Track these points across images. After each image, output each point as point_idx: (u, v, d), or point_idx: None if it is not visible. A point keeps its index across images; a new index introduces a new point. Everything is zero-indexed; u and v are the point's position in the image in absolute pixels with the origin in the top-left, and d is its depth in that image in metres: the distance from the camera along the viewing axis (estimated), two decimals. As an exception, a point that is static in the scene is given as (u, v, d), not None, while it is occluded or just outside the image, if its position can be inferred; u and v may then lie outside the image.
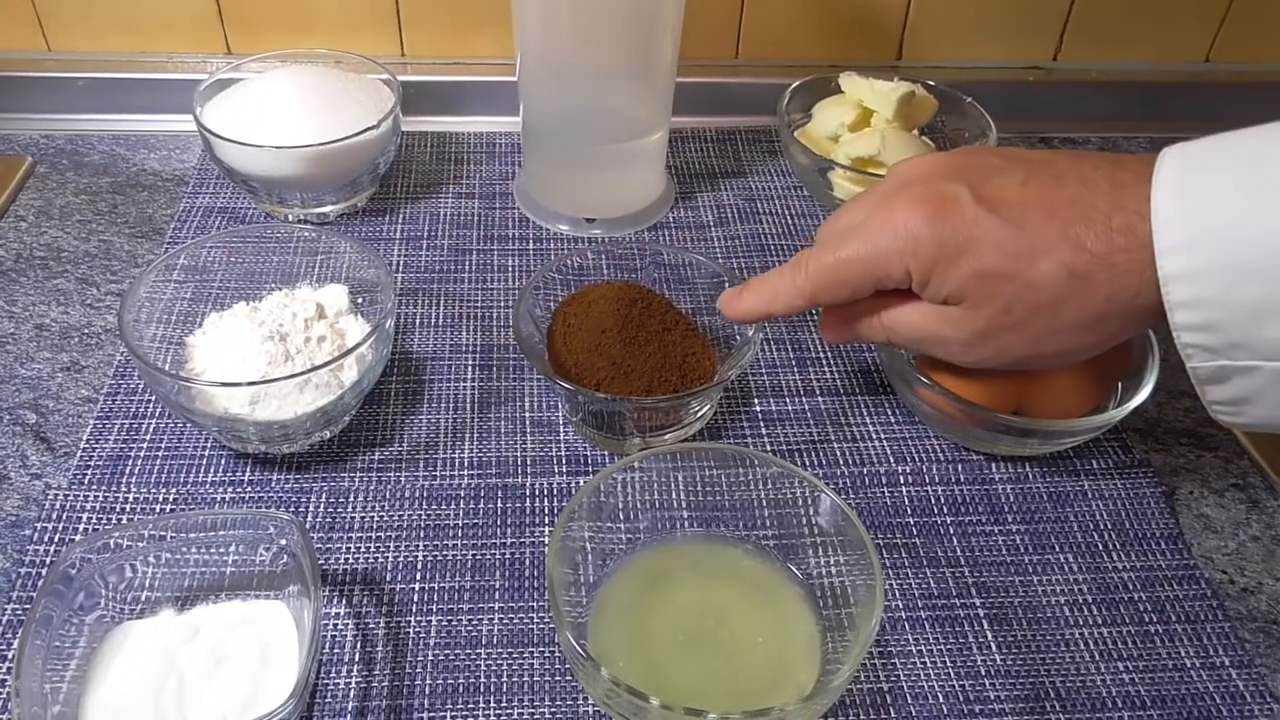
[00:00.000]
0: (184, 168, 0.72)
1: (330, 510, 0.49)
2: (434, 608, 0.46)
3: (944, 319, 0.45)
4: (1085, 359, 0.45)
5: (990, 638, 0.45)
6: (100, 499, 0.49)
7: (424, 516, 0.49)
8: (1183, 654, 0.45)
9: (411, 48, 0.80)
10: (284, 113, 0.63)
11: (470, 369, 0.57)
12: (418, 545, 0.48)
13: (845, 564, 0.44)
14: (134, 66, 0.77)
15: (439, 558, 0.48)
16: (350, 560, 0.47)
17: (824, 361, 0.58)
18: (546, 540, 0.48)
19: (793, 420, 0.55)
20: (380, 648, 0.44)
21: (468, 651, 0.44)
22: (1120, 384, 0.52)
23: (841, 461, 0.53)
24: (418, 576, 0.47)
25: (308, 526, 0.48)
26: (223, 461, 0.51)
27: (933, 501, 0.51)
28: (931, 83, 0.72)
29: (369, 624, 0.45)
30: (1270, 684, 0.44)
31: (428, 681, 0.43)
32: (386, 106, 0.65)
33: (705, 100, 0.78)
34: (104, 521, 0.48)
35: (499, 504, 0.50)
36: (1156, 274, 0.39)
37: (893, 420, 0.55)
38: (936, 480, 0.52)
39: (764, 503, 0.46)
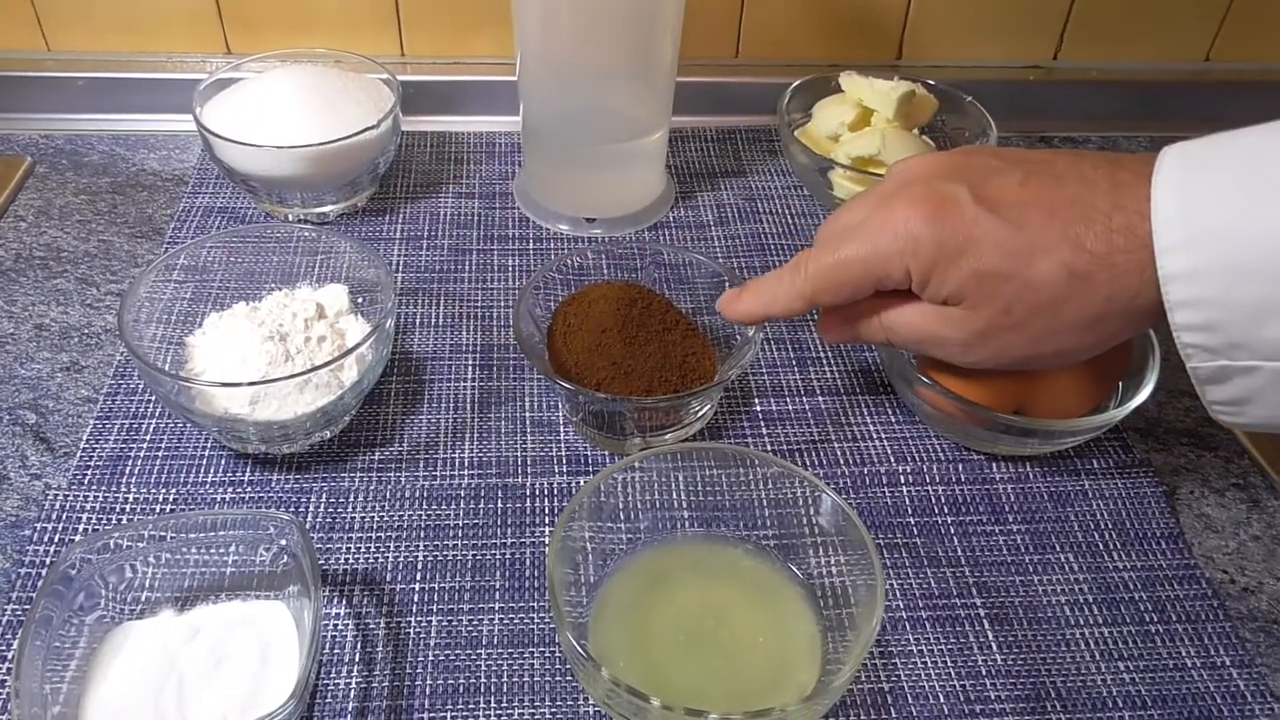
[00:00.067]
0: (184, 168, 0.72)
1: (330, 510, 0.49)
2: (434, 608, 0.46)
3: (944, 319, 0.45)
4: (1085, 359, 0.45)
5: (991, 637, 0.45)
6: (100, 499, 0.49)
7: (424, 516, 0.49)
8: (1183, 654, 0.45)
9: (411, 47, 0.80)
10: (284, 112, 0.63)
11: (470, 369, 0.57)
12: (418, 545, 0.48)
13: (846, 564, 0.44)
14: (133, 66, 0.77)
15: (439, 558, 0.48)
16: (350, 560, 0.47)
17: (824, 361, 0.58)
18: (547, 540, 0.48)
19: (793, 420, 0.55)
20: (380, 648, 0.44)
21: (468, 652, 0.44)
22: (1121, 384, 0.52)
23: (842, 461, 0.53)
24: (418, 577, 0.47)
25: (308, 526, 0.48)
26: (223, 461, 0.51)
27: (933, 501, 0.51)
28: (931, 82, 0.72)
29: (369, 624, 0.45)
30: (1271, 683, 0.44)
31: (428, 682, 0.43)
32: (386, 106, 0.65)
33: (705, 100, 0.78)
34: (104, 522, 0.48)
35: (499, 504, 0.50)
36: (1156, 274, 0.39)
37: (893, 420, 0.55)
38: (937, 480, 0.52)
39: (764, 503, 0.46)
